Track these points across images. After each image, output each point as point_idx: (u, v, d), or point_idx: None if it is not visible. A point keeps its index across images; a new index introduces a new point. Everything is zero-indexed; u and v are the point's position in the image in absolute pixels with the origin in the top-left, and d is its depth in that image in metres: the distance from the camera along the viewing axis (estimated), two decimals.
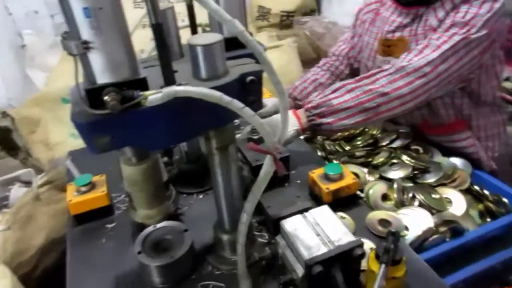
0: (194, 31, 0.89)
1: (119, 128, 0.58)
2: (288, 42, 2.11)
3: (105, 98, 0.54)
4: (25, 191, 1.20)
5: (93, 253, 0.89)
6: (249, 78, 0.65)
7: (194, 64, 0.64)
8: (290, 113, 1.04)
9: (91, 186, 0.98)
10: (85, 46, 0.53)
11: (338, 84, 1.08)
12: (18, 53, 2.48)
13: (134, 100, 0.56)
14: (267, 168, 0.67)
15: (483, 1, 1.04)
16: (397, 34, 1.19)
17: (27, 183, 1.32)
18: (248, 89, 0.66)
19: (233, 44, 0.77)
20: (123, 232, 0.94)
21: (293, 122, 1.06)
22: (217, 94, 0.57)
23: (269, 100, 1.26)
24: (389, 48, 1.23)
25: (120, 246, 0.90)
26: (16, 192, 1.28)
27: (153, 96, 0.56)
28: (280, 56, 2.12)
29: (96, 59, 0.55)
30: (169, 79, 0.60)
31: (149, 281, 0.80)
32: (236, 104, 0.58)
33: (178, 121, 0.62)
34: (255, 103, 0.68)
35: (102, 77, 0.56)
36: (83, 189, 0.96)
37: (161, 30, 0.57)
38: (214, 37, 0.63)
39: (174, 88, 0.56)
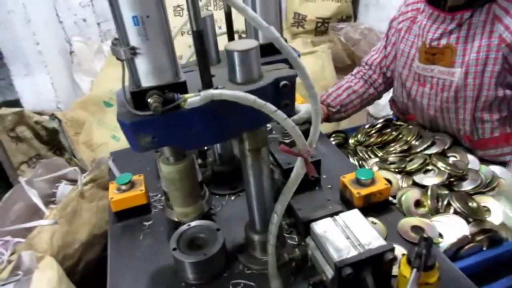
0: (231, 38, 0.93)
1: (160, 128, 0.61)
2: (322, 48, 2.12)
3: (149, 100, 0.58)
4: (70, 189, 1.27)
5: (132, 248, 0.94)
6: (283, 82, 0.67)
7: (230, 68, 0.67)
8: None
9: (131, 184, 1.03)
10: (133, 51, 0.58)
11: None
12: (67, 59, 2.64)
13: (175, 102, 0.60)
14: (298, 170, 0.69)
15: None
16: (443, 42, 1.16)
17: (73, 181, 1.40)
18: (281, 93, 0.68)
19: (268, 50, 0.80)
20: (159, 230, 0.99)
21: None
22: (251, 97, 0.60)
23: (302, 105, 1.28)
24: (434, 56, 1.20)
25: (156, 243, 0.95)
26: (63, 189, 1.37)
27: (192, 99, 0.60)
28: (314, 62, 2.13)
29: (141, 64, 0.59)
30: (207, 83, 0.64)
31: (184, 277, 0.83)
32: (269, 107, 0.61)
33: (214, 123, 0.65)
34: (288, 107, 0.70)
35: (146, 81, 0.60)
36: (124, 187, 1.02)
37: (202, 36, 0.61)
38: (250, 43, 0.66)
39: (211, 92, 0.59)
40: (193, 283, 0.83)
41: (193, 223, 0.88)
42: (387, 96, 1.57)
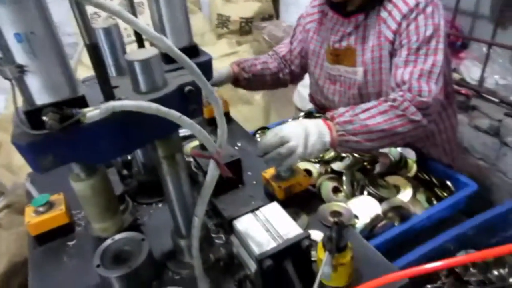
0: (141, 46, 0.92)
1: (61, 146, 0.60)
2: (244, 48, 2.17)
3: (44, 118, 0.56)
4: None
5: (55, 272, 0.90)
6: (188, 88, 0.69)
7: (133, 78, 0.67)
8: (320, 122, 1.01)
9: (49, 205, 0.98)
10: (20, 70, 0.55)
11: (369, 104, 1.05)
12: None
13: (73, 118, 0.58)
14: (212, 172, 0.71)
15: (430, 4, 1.10)
16: (344, 44, 1.25)
17: None
18: (188, 99, 0.70)
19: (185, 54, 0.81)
20: (84, 248, 0.96)
21: (323, 132, 0.99)
22: (154, 106, 0.60)
23: (224, 68, 1.34)
24: (338, 57, 1.28)
25: (82, 263, 0.92)
26: None
27: (92, 113, 0.59)
28: None
29: (32, 82, 0.57)
30: (108, 95, 0.63)
31: None
32: (173, 114, 0.62)
33: (121, 134, 0.64)
34: (196, 112, 0.72)
35: (40, 98, 0.58)
36: (41, 209, 0.97)
37: (96, 49, 0.60)
38: (150, 52, 0.66)
39: (111, 103, 0.59)
40: None
41: (117, 236, 0.86)
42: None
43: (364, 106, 1.06)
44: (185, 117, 0.63)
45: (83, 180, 0.69)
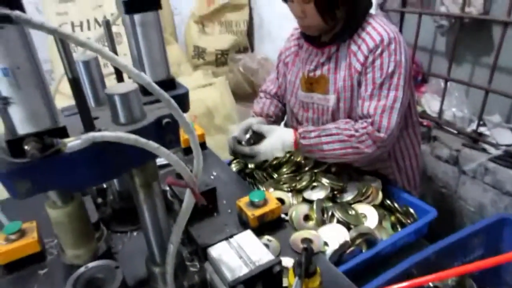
0: (119, 78, 0.96)
1: (41, 174, 0.62)
2: (220, 79, 2.23)
3: (25, 147, 0.59)
4: None
5: None
6: (165, 120, 0.72)
7: (113, 111, 0.70)
8: (291, 133, 1.30)
9: (21, 233, 0.98)
10: (5, 101, 0.58)
11: (334, 130, 1.26)
12: None
13: (54, 148, 0.61)
14: (188, 200, 0.74)
15: (393, 41, 1.22)
16: (318, 72, 1.34)
17: None
18: (165, 130, 0.73)
19: (164, 87, 0.85)
20: (56, 277, 0.95)
21: (291, 143, 1.28)
22: (133, 137, 0.64)
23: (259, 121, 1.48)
24: (312, 85, 1.38)
25: None
26: None
27: (73, 143, 0.61)
28: (213, 92, 2.23)
29: (15, 113, 0.60)
30: (88, 126, 0.66)
31: None
32: (151, 145, 0.65)
33: (99, 163, 0.67)
34: (173, 142, 0.75)
35: (22, 128, 0.61)
36: (12, 237, 0.96)
37: (78, 83, 0.63)
38: (129, 86, 0.70)
39: (92, 134, 0.62)
40: None
41: (90, 264, 0.86)
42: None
43: (329, 130, 1.25)
44: (162, 148, 0.67)
45: (59, 207, 0.70)
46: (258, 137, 1.34)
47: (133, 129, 0.68)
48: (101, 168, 0.68)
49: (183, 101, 0.85)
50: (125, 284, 0.86)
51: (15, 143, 0.60)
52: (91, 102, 0.95)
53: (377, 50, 1.20)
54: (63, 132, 0.63)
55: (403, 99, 1.20)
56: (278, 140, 1.27)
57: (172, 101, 0.63)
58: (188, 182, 0.72)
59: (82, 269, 0.86)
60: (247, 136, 1.37)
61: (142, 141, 0.65)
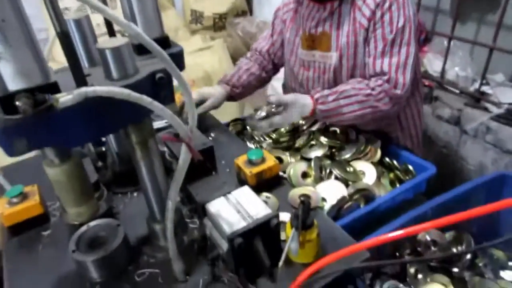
0: (111, 33, 0.93)
1: (35, 130, 0.62)
2: (218, 42, 2.19)
3: (17, 103, 0.58)
4: None
5: (30, 261, 0.91)
6: (159, 75, 0.72)
7: (105, 66, 0.69)
8: (309, 99, 1.22)
9: (23, 196, 0.99)
10: None
11: (351, 91, 1.21)
12: None
13: (47, 103, 0.60)
14: (184, 156, 0.74)
15: None
16: (320, 29, 1.30)
17: None
18: (159, 86, 0.73)
19: (160, 44, 0.83)
20: (59, 237, 0.97)
21: (309, 109, 1.21)
22: (126, 91, 0.63)
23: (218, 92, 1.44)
24: (313, 42, 1.34)
25: (58, 251, 0.93)
26: None
27: (65, 98, 0.61)
28: (211, 56, 2.19)
29: (5, 68, 0.59)
30: (80, 82, 0.65)
31: (89, 278, 0.84)
32: (144, 100, 0.65)
33: (94, 120, 0.67)
34: (167, 98, 0.75)
35: (13, 84, 0.60)
36: (15, 200, 0.97)
37: (68, 37, 0.62)
38: (121, 40, 0.69)
39: (84, 89, 0.61)
40: (98, 281, 0.83)
41: (92, 223, 0.88)
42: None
43: (347, 91, 1.20)
44: (156, 103, 0.66)
45: (57, 165, 0.71)
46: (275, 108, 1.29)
47: (126, 84, 0.67)
48: (95, 124, 0.67)
49: (177, 59, 0.84)
50: (127, 241, 0.88)
51: (6, 100, 0.59)
52: (84, 62, 0.94)
53: (384, 4, 1.16)
54: (54, 88, 0.63)
55: (415, 54, 1.19)
56: (297, 110, 1.21)
57: (164, 53, 0.62)
58: (183, 137, 0.72)
59: (84, 228, 0.88)
60: (263, 113, 1.33)
61: (135, 96, 0.64)
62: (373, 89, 1.18)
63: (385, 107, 1.18)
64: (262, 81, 1.63)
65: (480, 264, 1.17)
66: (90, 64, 0.94)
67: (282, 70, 1.65)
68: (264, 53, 1.57)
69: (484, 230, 1.36)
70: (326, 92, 1.23)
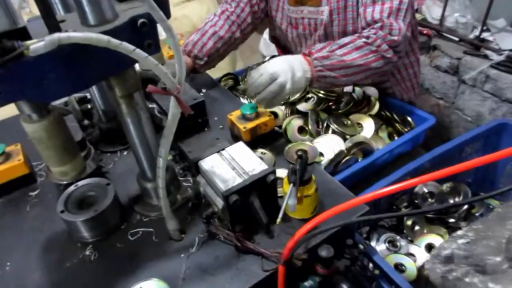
0: None
1: (6, 82, 0.56)
2: None
3: None
4: None
5: (18, 222, 0.88)
6: (141, 20, 0.65)
7: (80, 10, 0.62)
8: (301, 57, 1.03)
9: (6, 156, 0.95)
10: None
11: (345, 40, 1.06)
12: None
13: (16, 51, 0.54)
14: (173, 110, 0.69)
15: None
16: None
17: None
18: (142, 33, 0.66)
19: None
20: (47, 198, 0.93)
21: (305, 68, 1.02)
22: (105, 38, 0.57)
23: None
24: None
25: (46, 211, 0.90)
26: None
27: (36, 45, 0.54)
28: (199, 7, 2.07)
29: None
30: (53, 28, 0.58)
31: (80, 238, 0.81)
32: (126, 47, 0.58)
33: (71, 70, 0.61)
34: (152, 47, 0.68)
35: None
36: None
37: None
38: None
39: (56, 35, 0.54)
40: (90, 241, 0.81)
41: (80, 183, 0.84)
42: None
43: (340, 42, 1.07)
44: (139, 51, 0.60)
45: (35, 121, 0.65)
46: None
47: (104, 30, 0.61)
48: (73, 76, 0.61)
49: (162, 5, 0.76)
50: (118, 200, 0.85)
51: None
52: (60, 11, 0.86)
53: None
54: (24, 34, 0.56)
55: (409, 0, 1.10)
56: (285, 60, 0.99)
57: None
58: (171, 89, 0.66)
59: (72, 188, 0.84)
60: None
61: (115, 43, 0.57)
62: (367, 37, 1.06)
63: (387, 54, 1.06)
64: (234, 44, 1.37)
65: (477, 214, 1.16)
66: (66, 12, 0.86)
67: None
68: (245, 4, 1.35)
69: (481, 180, 1.36)
70: (317, 46, 1.08)
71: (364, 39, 1.06)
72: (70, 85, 0.62)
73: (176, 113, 0.70)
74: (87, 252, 0.79)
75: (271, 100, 0.97)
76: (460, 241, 0.78)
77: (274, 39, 1.53)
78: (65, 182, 0.82)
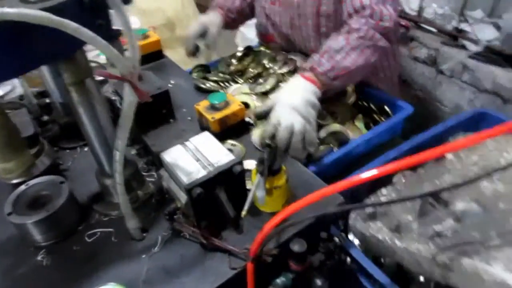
0: None
1: None
2: None
3: None
4: None
5: None
6: None
7: None
8: (304, 82, 0.98)
9: None
10: None
11: (339, 43, 1.02)
12: None
13: None
14: (128, 97, 0.63)
15: None
16: None
17: None
18: (92, 12, 0.60)
19: None
20: None
21: (313, 89, 0.97)
22: (44, 14, 0.51)
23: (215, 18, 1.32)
24: None
25: None
26: None
27: None
28: (174, 1, 2.00)
29: None
30: None
31: (32, 241, 0.74)
32: (68, 25, 0.52)
33: (8, 52, 0.54)
34: (103, 28, 0.62)
35: None
36: None
37: None
38: None
39: None
40: (43, 245, 0.74)
41: (32, 181, 0.77)
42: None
43: (335, 46, 1.03)
44: (84, 29, 0.54)
45: None
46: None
47: (45, 7, 0.54)
48: (11, 58, 0.55)
49: None
50: (74, 199, 0.78)
51: None
52: None
53: None
54: None
55: None
56: (290, 108, 0.91)
57: None
58: (124, 74, 0.60)
59: (22, 187, 0.77)
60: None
61: (56, 20, 0.51)
62: (358, 30, 1.02)
63: (381, 43, 1.03)
64: (250, 13, 1.46)
65: None
66: None
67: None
68: None
69: None
70: (314, 57, 1.04)
71: (355, 34, 1.02)
72: (7, 69, 0.55)
73: (132, 101, 0.64)
74: (39, 258, 0.72)
75: (303, 150, 0.90)
76: (383, 198, 0.85)
77: (258, 31, 1.50)
78: (14, 181, 0.75)
